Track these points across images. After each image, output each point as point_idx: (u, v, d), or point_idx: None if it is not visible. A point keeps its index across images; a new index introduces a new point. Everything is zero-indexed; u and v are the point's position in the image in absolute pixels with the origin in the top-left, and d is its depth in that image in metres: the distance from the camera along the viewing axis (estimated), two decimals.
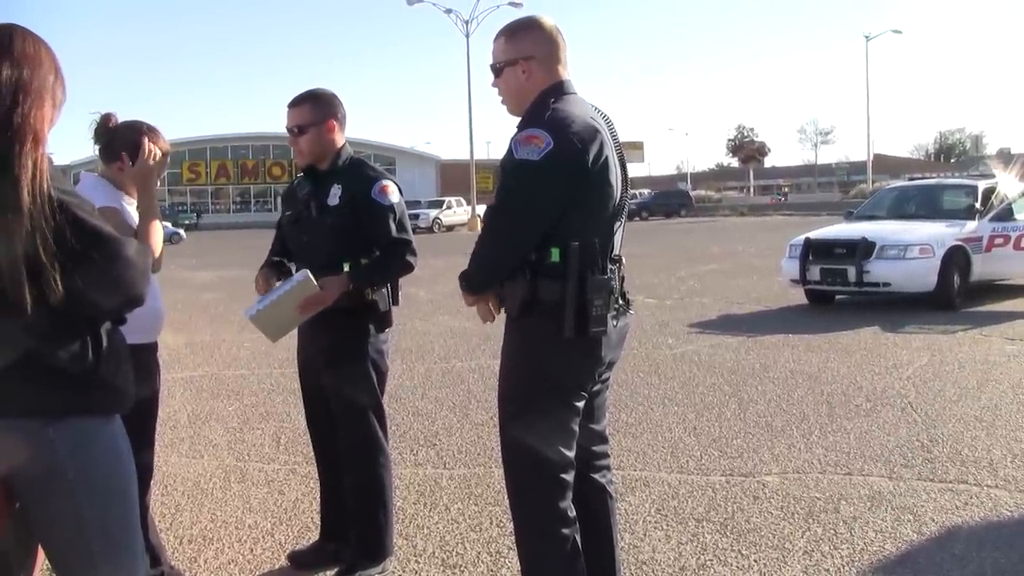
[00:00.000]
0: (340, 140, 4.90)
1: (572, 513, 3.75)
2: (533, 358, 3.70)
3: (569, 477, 3.75)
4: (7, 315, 2.44)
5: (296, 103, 4.83)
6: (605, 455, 4.08)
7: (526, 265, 3.61)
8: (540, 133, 3.56)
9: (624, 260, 3.87)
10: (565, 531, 3.72)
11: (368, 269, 4.73)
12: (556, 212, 3.56)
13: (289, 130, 4.83)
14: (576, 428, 3.78)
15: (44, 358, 2.54)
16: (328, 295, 4.61)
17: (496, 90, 3.97)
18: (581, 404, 3.78)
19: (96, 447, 2.67)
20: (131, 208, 4.36)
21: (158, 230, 3.89)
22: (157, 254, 4.07)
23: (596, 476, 4.00)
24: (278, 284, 4.71)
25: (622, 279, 3.85)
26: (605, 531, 4.01)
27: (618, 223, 3.81)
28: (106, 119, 4.36)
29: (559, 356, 3.66)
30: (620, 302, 3.81)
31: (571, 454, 3.75)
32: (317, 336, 4.87)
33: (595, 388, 3.89)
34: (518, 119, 3.83)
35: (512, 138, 3.63)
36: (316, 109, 4.81)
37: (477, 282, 3.77)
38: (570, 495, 3.75)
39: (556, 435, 3.70)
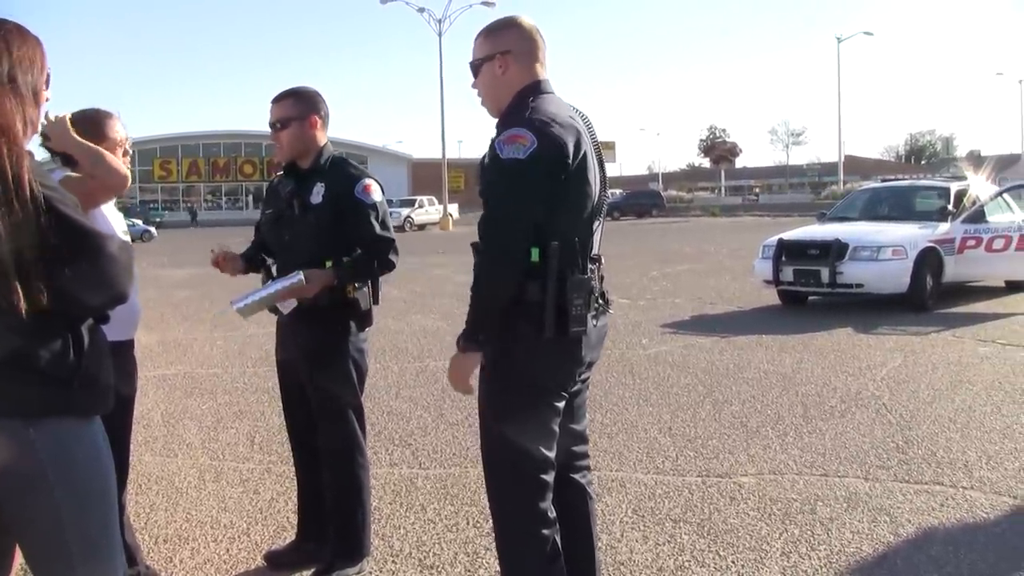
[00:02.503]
0: (322, 138, 4.88)
1: (552, 514, 3.74)
2: (513, 359, 3.67)
3: (549, 478, 3.73)
4: None
5: (279, 98, 4.83)
6: (585, 455, 4.07)
7: None
8: (523, 132, 3.54)
9: (603, 259, 3.86)
10: (545, 532, 3.71)
11: (352, 266, 4.73)
12: (543, 209, 3.54)
13: (271, 125, 4.82)
14: (556, 428, 3.76)
15: (25, 357, 2.51)
16: (311, 288, 4.62)
17: (476, 92, 3.96)
18: (561, 404, 3.76)
19: (77, 448, 2.64)
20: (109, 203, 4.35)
21: (111, 160, 3.80)
22: (126, 175, 3.96)
23: (576, 476, 3.98)
24: (270, 281, 4.76)
25: (601, 278, 3.84)
26: (584, 532, 3.99)
27: (597, 222, 3.81)
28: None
29: (539, 357, 3.64)
30: (600, 302, 3.80)
31: (551, 454, 3.73)
32: (298, 334, 4.86)
33: (575, 388, 3.88)
34: (495, 120, 3.82)
35: (495, 140, 3.60)
36: (299, 104, 4.80)
37: (485, 308, 3.56)
38: (550, 496, 3.74)
39: (536, 435, 3.68)
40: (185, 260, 30.07)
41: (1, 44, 2.60)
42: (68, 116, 3.78)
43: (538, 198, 3.52)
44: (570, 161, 3.57)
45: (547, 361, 3.67)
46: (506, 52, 3.80)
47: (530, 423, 3.68)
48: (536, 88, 3.79)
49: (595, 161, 3.75)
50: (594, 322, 3.73)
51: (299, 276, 4.55)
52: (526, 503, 3.70)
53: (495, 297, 3.54)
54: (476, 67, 3.89)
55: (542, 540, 3.70)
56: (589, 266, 3.70)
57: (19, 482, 2.58)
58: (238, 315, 4.76)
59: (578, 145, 3.61)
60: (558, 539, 3.76)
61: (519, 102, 3.73)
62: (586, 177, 3.66)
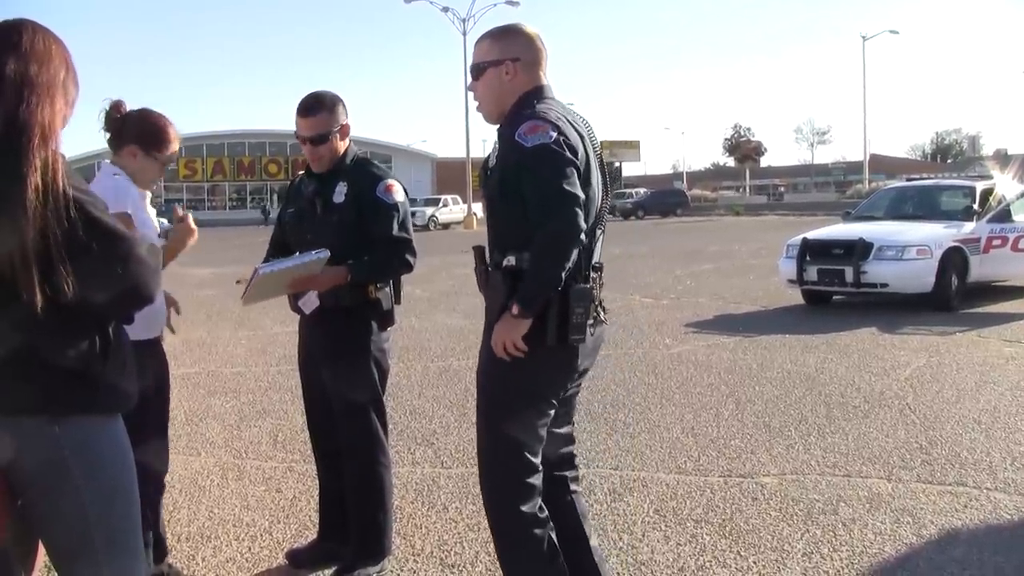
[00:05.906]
0: (348, 140, 4.91)
1: (543, 513, 3.80)
2: (509, 364, 3.67)
3: (536, 481, 3.79)
4: (15, 311, 2.43)
5: (312, 111, 4.78)
6: (571, 456, 4.12)
7: (508, 271, 3.64)
8: (541, 123, 3.59)
9: (603, 268, 3.89)
10: (537, 531, 3.77)
11: (367, 265, 4.74)
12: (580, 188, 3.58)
13: (308, 139, 4.80)
14: (544, 434, 3.82)
15: (52, 356, 2.54)
16: (322, 280, 4.65)
17: (472, 94, 3.98)
18: (552, 412, 3.83)
19: (101, 445, 2.67)
20: (145, 202, 4.45)
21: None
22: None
23: (562, 474, 4.03)
24: (297, 253, 4.74)
25: (601, 286, 3.86)
26: (576, 527, 4.03)
27: (599, 230, 3.83)
28: (116, 107, 4.40)
29: (535, 364, 3.66)
30: (598, 311, 3.83)
31: (537, 460, 3.79)
32: (319, 333, 4.89)
33: (566, 395, 3.93)
34: (496, 127, 3.88)
35: (514, 132, 3.61)
36: (333, 117, 4.80)
37: (547, 280, 3.52)
38: (538, 498, 3.79)
39: (525, 440, 3.75)
40: (207, 259, 30.17)
41: (39, 46, 2.62)
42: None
43: (576, 175, 3.56)
44: (579, 161, 3.61)
45: (542, 369, 3.73)
46: (516, 59, 3.84)
47: (521, 430, 3.74)
48: (539, 92, 3.85)
49: (597, 167, 3.79)
50: (591, 331, 3.77)
51: (325, 253, 4.56)
52: (514, 506, 3.76)
53: (560, 267, 3.51)
54: (481, 70, 3.90)
55: (536, 540, 3.77)
56: (591, 275, 3.73)
57: (45, 479, 2.61)
58: (253, 289, 4.69)
59: (583, 149, 3.68)
60: (553, 536, 3.82)
61: (524, 103, 3.78)
62: (589, 182, 3.70)
